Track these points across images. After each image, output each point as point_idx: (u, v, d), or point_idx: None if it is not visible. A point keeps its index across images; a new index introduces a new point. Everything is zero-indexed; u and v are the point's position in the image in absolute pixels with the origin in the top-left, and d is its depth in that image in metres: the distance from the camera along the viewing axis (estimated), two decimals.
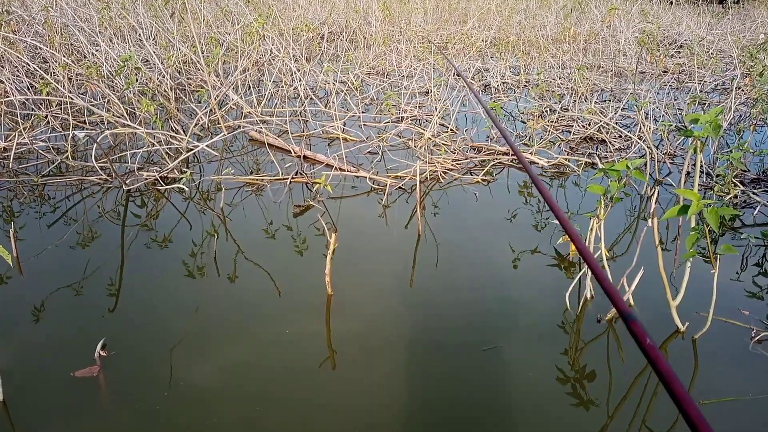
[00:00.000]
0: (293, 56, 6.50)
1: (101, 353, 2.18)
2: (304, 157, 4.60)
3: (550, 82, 7.10)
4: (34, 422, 1.96)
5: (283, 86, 6.17)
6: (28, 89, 5.24)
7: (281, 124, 5.39)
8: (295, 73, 6.05)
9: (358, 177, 4.32)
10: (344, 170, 4.34)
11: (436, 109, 5.53)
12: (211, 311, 2.68)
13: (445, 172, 4.46)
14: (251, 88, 5.99)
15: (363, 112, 5.74)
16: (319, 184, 3.50)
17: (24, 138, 4.34)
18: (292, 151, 4.71)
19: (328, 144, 5.12)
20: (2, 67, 5.25)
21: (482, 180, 4.37)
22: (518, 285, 3.00)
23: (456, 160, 4.65)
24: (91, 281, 2.85)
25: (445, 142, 4.96)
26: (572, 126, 5.58)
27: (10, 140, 4.33)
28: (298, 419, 2.06)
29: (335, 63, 7.48)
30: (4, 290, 2.72)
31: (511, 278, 3.06)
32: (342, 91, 6.12)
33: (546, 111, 5.99)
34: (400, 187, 4.19)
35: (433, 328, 2.62)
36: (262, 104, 5.71)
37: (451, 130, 5.34)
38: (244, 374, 2.27)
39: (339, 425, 2.05)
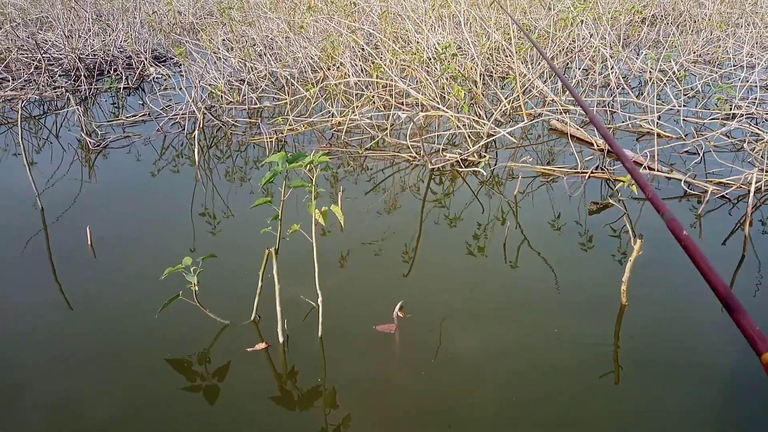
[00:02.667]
0: (607, 42, 6.08)
1: (399, 314, 2.41)
2: (608, 151, 4.29)
3: None
4: (342, 359, 2.28)
5: (592, 74, 5.83)
6: (362, 72, 6.03)
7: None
8: (608, 60, 5.66)
9: (669, 179, 3.84)
10: (654, 170, 3.90)
11: None
12: (488, 292, 2.72)
13: None
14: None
15: (683, 106, 5.07)
16: (623, 182, 3.22)
17: (355, 115, 5.03)
18: (594, 144, 4.44)
19: (637, 139, 4.67)
20: (344, 52, 6.14)
21: None
22: None
23: None
24: (391, 246, 3.16)
25: None
26: None
27: (344, 116, 5.07)
28: (560, 425, 1.95)
29: (655, 49, 6.76)
30: (328, 243, 3.21)
31: None
32: (661, 81, 5.50)
33: None
34: (722, 196, 3.58)
35: (749, 368, 2.19)
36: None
37: None
38: (510, 361, 2.24)
39: None
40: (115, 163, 4.53)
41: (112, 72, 6.96)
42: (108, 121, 5.40)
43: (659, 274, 2.80)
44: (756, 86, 5.26)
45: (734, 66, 6.35)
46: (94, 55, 7.07)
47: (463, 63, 5.69)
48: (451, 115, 4.57)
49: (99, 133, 5.02)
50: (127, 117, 5.46)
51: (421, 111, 4.95)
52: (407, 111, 4.93)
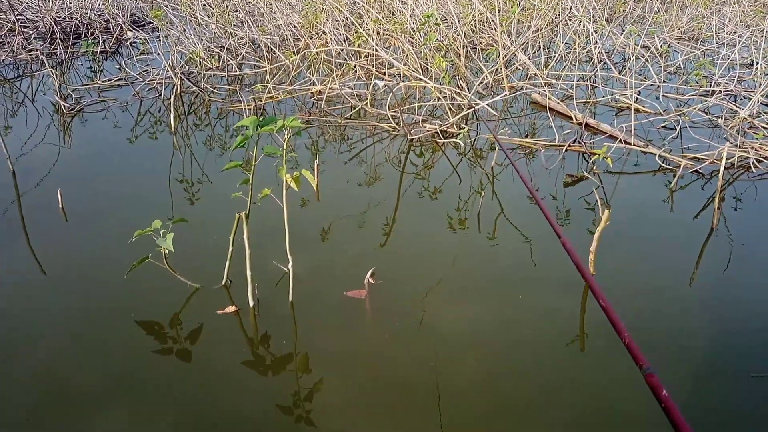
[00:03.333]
0: (592, 16, 6.05)
1: (370, 280, 2.43)
2: (586, 125, 4.31)
3: None
4: (312, 324, 2.30)
5: (575, 48, 5.82)
6: (344, 41, 5.96)
7: (567, 88, 5.12)
8: (592, 35, 5.64)
9: (645, 153, 3.88)
10: (630, 144, 3.94)
11: (759, 84, 4.60)
12: (466, 265, 2.75)
13: (759, 161, 3.71)
14: (541, 49, 5.80)
15: (663, 82, 5.09)
16: (598, 155, 3.24)
17: (335, 84, 4.98)
18: (573, 118, 4.45)
19: (616, 114, 4.70)
20: (327, 20, 6.05)
21: None
22: None
23: None
24: (369, 216, 3.17)
25: (767, 126, 4.10)
26: None
27: (325, 84, 5.01)
28: (534, 393, 2.00)
29: (640, 25, 6.76)
30: (304, 212, 3.21)
31: None
32: (643, 57, 5.50)
33: None
34: (696, 171, 3.63)
35: (705, 335, 2.26)
36: (549, 66, 5.49)
37: None
38: (485, 332, 2.28)
39: (574, 410, 1.93)
40: (90, 128, 4.45)
41: (89, 35, 6.79)
42: (84, 85, 5.29)
43: (628, 246, 2.85)
44: (736, 64, 5.29)
45: (717, 43, 6.38)
46: (71, 18, 6.89)
47: (446, 34, 5.63)
48: (432, 86, 4.55)
49: (74, 97, 4.92)
50: (103, 81, 5.35)
51: (403, 81, 4.92)
52: (387, 81, 4.89)
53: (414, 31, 5.64)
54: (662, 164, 3.73)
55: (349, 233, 3.00)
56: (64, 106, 4.62)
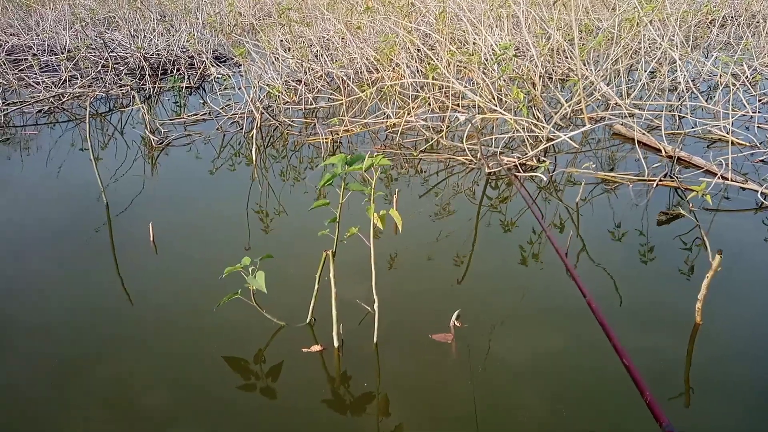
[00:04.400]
0: (676, 43, 5.80)
1: (456, 323, 2.35)
2: (678, 158, 4.08)
3: None
4: (398, 365, 2.23)
5: (659, 77, 5.58)
6: (417, 73, 5.98)
7: (652, 119, 4.90)
8: (678, 62, 5.40)
9: (744, 189, 3.62)
10: (727, 179, 3.68)
11: None
12: (540, 301, 2.63)
13: None
14: (621, 77, 5.60)
15: (757, 112, 4.78)
16: (696, 192, 3.04)
17: (410, 116, 4.99)
18: (662, 150, 4.23)
19: (707, 146, 4.44)
20: (399, 52, 6.10)
21: None
22: None
23: None
24: (444, 250, 3.09)
25: None
26: None
27: (399, 117, 5.03)
28: None
29: (725, 52, 6.42)
30: (381, 244, 3.17)
31: None
32: (733, 85, 5.21)
33: None
34: None
35: None
36: (632, 96, 5.29)
37: None
38: (570, 376, 2.14)
39: None
40: (176, 160, 4.64)
41: (175, 71, 7.17)
42: (170, 120, 5.55)
43: (733, 291, 2.63)
44: None
45: None
46: (158, 54, 7.30)
47: (521, 64, 5.55)
48: (510, 118, 4.46)
49: (162, 130, 5.16)
50: (188, 115, 5.60)
51: (478, 113, 4.86)
52: (465, 113, 4.85)
53: (488, 61, 5.58)
54: (764, 201, 3.46)
55: (427, 268, 2.93)
56: (153, 140, 4.85)
